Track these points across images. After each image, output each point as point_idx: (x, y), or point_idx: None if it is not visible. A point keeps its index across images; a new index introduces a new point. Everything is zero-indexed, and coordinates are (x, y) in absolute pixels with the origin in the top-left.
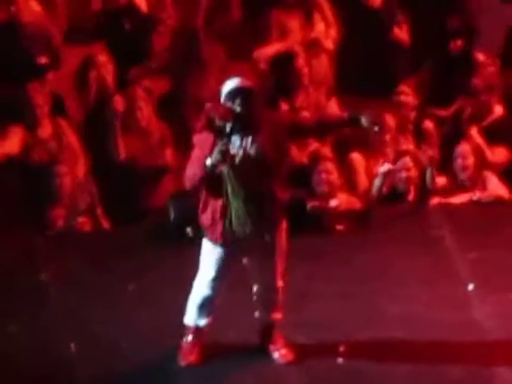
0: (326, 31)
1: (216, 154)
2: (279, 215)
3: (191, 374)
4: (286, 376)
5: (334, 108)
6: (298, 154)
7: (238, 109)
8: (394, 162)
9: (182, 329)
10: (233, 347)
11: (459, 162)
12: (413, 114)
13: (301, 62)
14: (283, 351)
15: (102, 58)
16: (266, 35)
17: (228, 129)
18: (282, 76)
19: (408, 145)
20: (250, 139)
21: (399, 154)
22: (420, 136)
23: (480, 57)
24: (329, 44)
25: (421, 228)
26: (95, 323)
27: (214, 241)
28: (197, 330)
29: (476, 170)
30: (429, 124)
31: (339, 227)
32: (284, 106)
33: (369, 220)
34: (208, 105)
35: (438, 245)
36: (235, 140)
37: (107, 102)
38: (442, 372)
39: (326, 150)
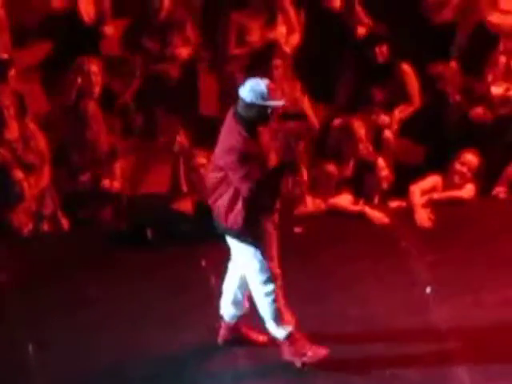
0: (287, 36)
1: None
2: None
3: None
4: (243, 377)
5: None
6: None
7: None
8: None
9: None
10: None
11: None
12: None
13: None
14: (255, 335)
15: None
16: (225, 36)
17: None
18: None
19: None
20: None
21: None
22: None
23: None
24: (286, 49)
25: (379, 230)
26: (52, 328)
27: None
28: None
29: None
30: (389, 133)
31: (297, 230)
32: None
33: None
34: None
35: (398, 247)
36: None
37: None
38: (398, 374)
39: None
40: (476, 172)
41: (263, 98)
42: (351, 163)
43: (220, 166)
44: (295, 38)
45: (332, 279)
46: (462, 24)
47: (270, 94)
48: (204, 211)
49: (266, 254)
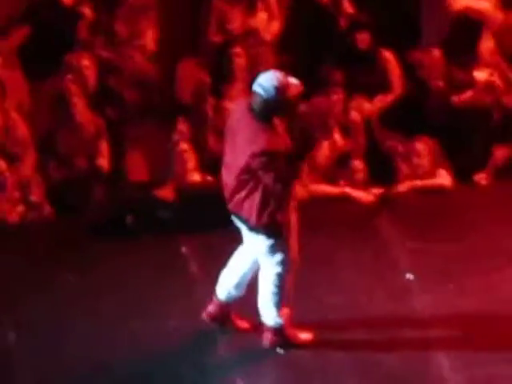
0: (268, 23)
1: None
2: None
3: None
4: (226, 365)
5: None
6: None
7: None
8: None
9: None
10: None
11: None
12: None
13: (238, 50)
14: (240, 321)
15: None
16: (205, 23)
17: None
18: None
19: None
20: None
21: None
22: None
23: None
24: (266, 36)
25: (362, 217)
26: (33, 321)
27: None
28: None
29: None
30: (356, 116)
31: None
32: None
33: None
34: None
35: (379, 234)
36: None
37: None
38: (379, 360)
39: None
40: (435, 157)
41: (280, 90)
42: (325, 146)
43: (247, 168)
44: (275, 25)
45: (314, 267)
46: (430, 9)
47: (286, 85)
48: (184, 198)
49: (289, 244)
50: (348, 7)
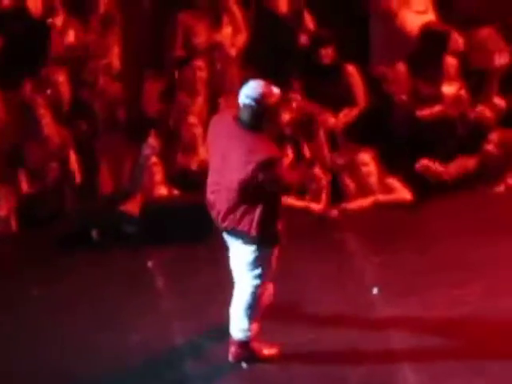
0: (233, 37)
1: None
2: None
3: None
4: (191, 379)
5: None
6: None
7: None
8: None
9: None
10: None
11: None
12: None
13: (199, 63)
14: None
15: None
16: (171, 38)
17: None
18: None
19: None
20: None
21: (308, 163)
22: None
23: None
24: (232, 51)
25: (325, 232)
26: None
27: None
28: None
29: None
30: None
31: None
32: None
33: None
34: None
35: (342, 249)
36: None
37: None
38: (344, 374)
39: None
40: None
41: (267, 96)
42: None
43: (251, 180)
44: (241, 39)
45: (279, 279)
46: (375, 24)
47: (270, 92)
48: (150, 212)
49: (274, 255)
50: (309, 22)
